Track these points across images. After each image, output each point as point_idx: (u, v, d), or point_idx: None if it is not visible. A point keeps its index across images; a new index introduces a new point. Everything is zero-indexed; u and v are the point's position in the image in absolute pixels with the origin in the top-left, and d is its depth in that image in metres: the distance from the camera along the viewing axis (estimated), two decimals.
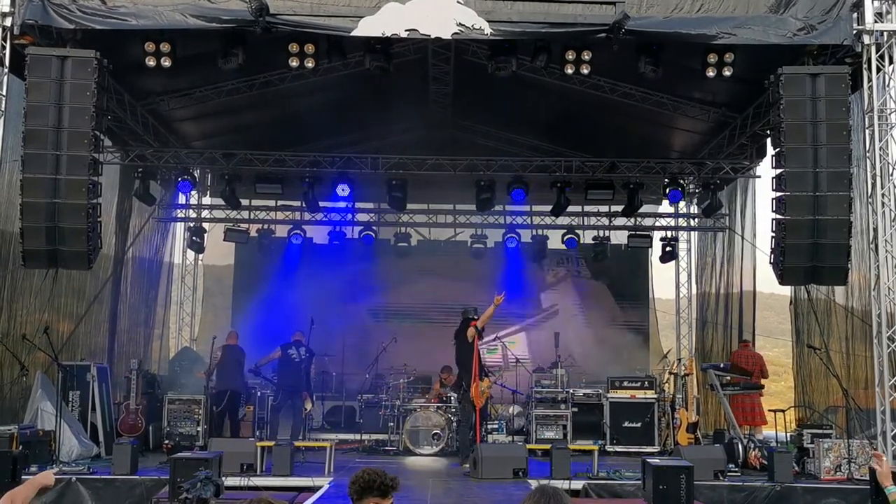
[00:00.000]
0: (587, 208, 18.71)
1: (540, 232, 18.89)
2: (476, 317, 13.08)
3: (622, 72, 13.46)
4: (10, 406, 12.71)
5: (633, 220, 18.58)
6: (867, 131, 11.58)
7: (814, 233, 11.10)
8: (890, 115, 11.41)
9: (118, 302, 16.51)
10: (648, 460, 10.18)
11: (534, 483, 10.96)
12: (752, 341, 17.86)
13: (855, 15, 11.12)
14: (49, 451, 11.66)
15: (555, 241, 18.72)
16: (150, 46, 11.46)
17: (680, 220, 19.89)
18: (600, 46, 11.43)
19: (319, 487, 10.68)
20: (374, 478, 4.46)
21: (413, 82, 14.98)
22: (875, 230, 11.38)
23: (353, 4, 11.00)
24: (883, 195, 11.28)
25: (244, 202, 18.16)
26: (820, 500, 10.71)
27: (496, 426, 15.23)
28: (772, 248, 11.70)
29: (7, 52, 11.05)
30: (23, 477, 10.02)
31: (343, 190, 16.64)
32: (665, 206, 19.53)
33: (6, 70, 11.12)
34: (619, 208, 17.71)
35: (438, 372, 15.76)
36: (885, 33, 11.23)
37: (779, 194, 11.40)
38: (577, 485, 11.10)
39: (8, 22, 10.91)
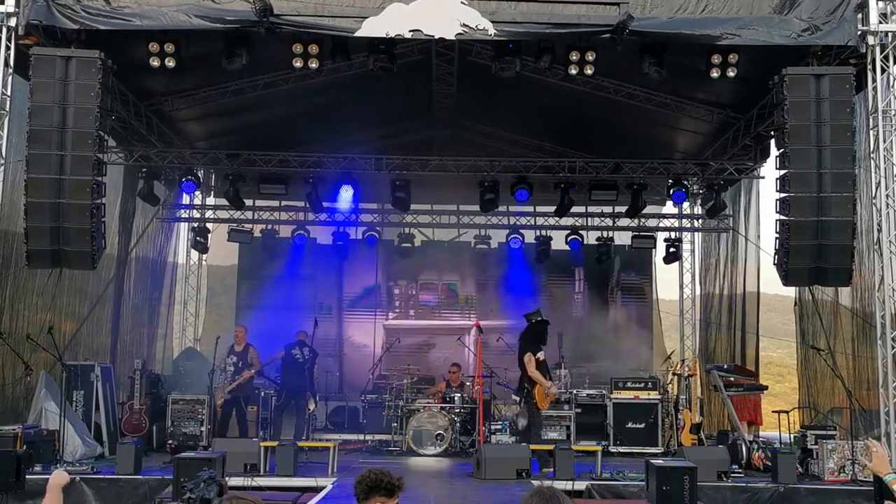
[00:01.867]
0: (591, 209, 18.70)
1: (544, 233, 18.87)
2: (542, 318, 13.31)
3: (626, 72, 13.44)
4: (14, 405, 12.73)
5: (636, 220, 18.58)
6: (871, 132, 11.56)
7: (818, 234, 11.09)
8: (894, 115, 11.38)
9: (121, 302, 16.53)
10: (652, 461, 10.18)
11: (536, 483, 10.96)
12: (755, 341, 17.88)
13: (859, 15, 11.09)
14: (53, 451, 11.67)
15: (558, 241, 18.70)
16: (154, 47, 11.47)
17: (684, 220, 19.85)
18: (604, 47, 11.43)
19: (323, 488, 10.69)
20: (381, 477, 4.49)
21: (417, 83, 14.97)
22: (879, 231, 11.36)
23: (357, 5, 11.01)
24: (887, 196, 11.27)
25: (248, 202, 18.14)
26: (824, 502, 10.71)
27: (499, 427, 15.21)
28: (776, 249, 11.70)
29: (12, 52, 11.06)
30: (27, 476, 10.06)
31: (346, 191, 16.71)
32: (669, 207, 19.50)
33: (10, 70, 11.14)
34: (623, 209, 17.70)
35: (445, 374, 15.74)
36: (890, 34, 11.21)
37: (783, 195, 11.40)
38: (581, 485, 11.11)
39: (12, 22, 10.93)
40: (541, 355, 12.91)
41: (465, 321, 19.27)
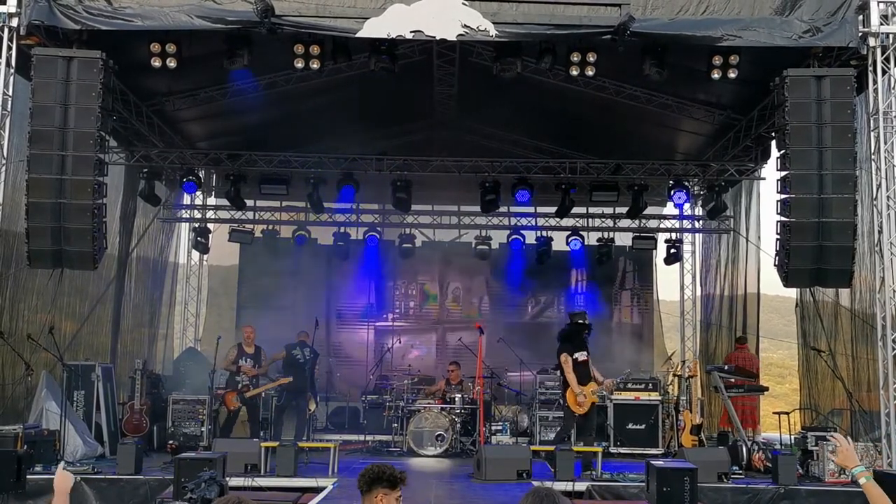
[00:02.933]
0: (592, 210, 18.71)
1: (544, 233, 18.87)
2: (585, 321, 12.90)
3: (627, 73, 13.45)
4: (15, 405, 12.74)
5: (637, 221, 18.58)
6: (872, 134, 11.56)
7: (818, 235, 11.10)
8: (895, 117, 11.38)
9: (122, 302, 16.53)
10: (652, 462, 10.17)
11: (537, 484, 10.96)
12: (756, 342, 17.86)
13: (860, 17, 11.09)
14: (54, 451, 11.67)
15: (559, 242, 18.70)
16: (155, 47, 11.48)
17: (684, 221, 19.87)
18: (605, 48, 11.43)
19: (323, 488, 10.69)
20: (384, 469, 4.66)
21: (418, 83, 14.97)
22: (880, 232, 11.36)
23: (359, 6, 11.02)
24: (888, 197, 11.27)
25: (249, 203, 18.14)
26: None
27: (500, 428, 15.21)
28: (776, 251, 11.70)
29: (13, 52, 11.08)
30: (27, 476, 10.07)
31: (347, 191, 16.68)
32: (670, 208, 19.51)
33: (12, 70, 11.14)
34: (624, 210, 17.70)
35: (446, 374, 15.75)
36: (891, 35, 11.20)
37: (783, 196, 11.40)
38: (581, 486, 11.10)
39: (14, 22, 10.93)
40: (580, 356, 12.50)
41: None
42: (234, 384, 14.09)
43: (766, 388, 14.85)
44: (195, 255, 20.21)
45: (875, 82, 11.29)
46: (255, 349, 14.44)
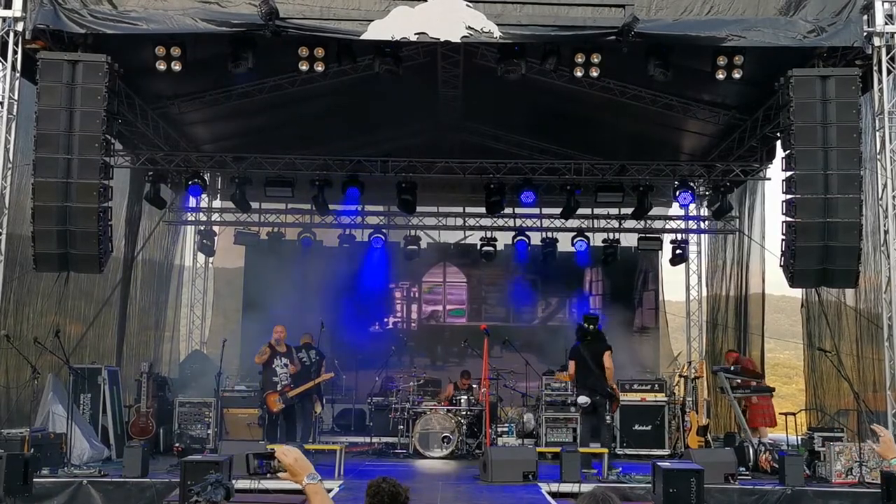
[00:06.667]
0: (597, 211, 18.69)
1: (550, 235, 18.86)
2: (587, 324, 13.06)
3: (631, 74, 13.44)
4: (21, 409, 12.75)
5: (643, 222, 18.56)
6: (877, 133, 11.54)
7: (824, 235, 11.08)
8: None
9: (127, 305, 16.55)
10: (659, 463, 10.17)
11: (543, 486, 10.96)
12: (761, 342, 17.82)
13: (865, 17, 11.08)
14: (60, 454, 11.70)
15: (565, 243, 18.68)
16: (160, 50, 11.50)
17: (690, 222, 19.85)
18: (609, 49, 11.42)
19: (329, 490, 10.68)
20: (399, 492, 4.51)
21: (422, 85, 14.99)
22: (885, 232, 11.33)
23: (363, 8, 11.03)
24: (894, 197, 11.24)
25: (254, 205, 18.18)
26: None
27: (506, 429, 15.20)
28: (782, 251, 11.68)
29: (19, 56, 11.11)
30: (34, 480, 10.09)
31: (353, 193, 16.66)
32: (675, 209, 19.49)
33: (18, 74, 11.18)
34: (629, 211, 17.68)
35: (451, 375, 15.72)
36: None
37: (789, 197, 11.38)
38: (587, 488, 11.07)
39: (19, 27, 10.98)
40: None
41: None
42: (273, 385, 13.69)
43: (773, 389, 14.81)
44: (201, 257, 20.23)
45: (880, 82, 11.28)
46: (286, 348, 14.22)
